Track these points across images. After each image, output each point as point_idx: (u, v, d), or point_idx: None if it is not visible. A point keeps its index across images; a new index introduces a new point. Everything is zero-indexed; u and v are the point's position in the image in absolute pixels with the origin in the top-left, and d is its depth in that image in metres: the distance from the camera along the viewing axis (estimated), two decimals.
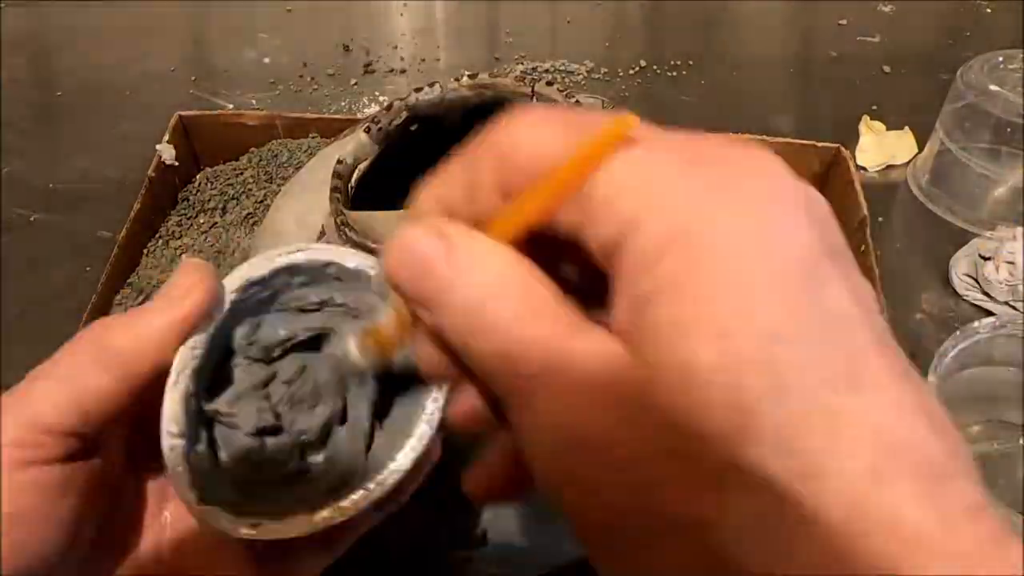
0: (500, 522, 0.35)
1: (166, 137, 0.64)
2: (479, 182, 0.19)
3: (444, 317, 0.18)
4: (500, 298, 0.18)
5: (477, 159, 0.20)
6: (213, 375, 0.25)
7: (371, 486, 0.23)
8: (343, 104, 0.81)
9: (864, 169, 0.71)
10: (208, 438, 0.24)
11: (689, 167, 0.17)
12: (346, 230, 0.34)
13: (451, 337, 0.18)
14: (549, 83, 0.38)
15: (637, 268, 0.16)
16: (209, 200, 0.65)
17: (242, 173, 0.66)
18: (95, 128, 0.79)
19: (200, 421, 0.24)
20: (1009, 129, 0.62)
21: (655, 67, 0.85)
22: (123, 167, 0.73)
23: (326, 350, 0.26)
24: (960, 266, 0.60)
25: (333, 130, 0.67)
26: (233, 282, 0.25)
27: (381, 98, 0.81)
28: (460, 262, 0.18)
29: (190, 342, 0.23)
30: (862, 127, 0.74)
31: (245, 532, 0.23)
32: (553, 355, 0.17)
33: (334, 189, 0.36)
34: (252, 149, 0.68)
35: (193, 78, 0.85)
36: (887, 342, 0.16)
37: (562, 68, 0.84)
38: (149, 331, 0.23)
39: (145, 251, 0.61)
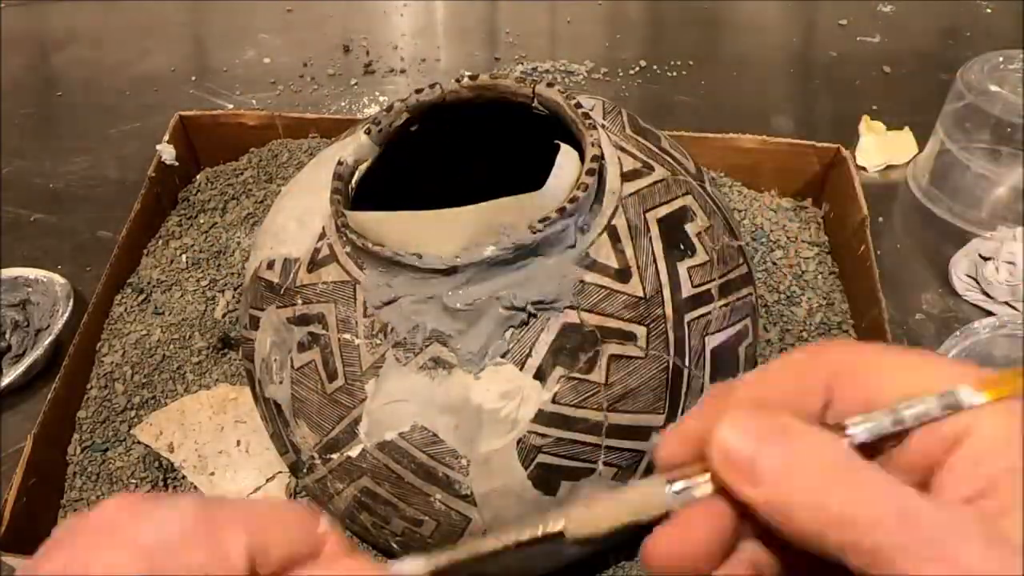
0: (500, 522, 0.35)
1: (166, 137, 0.64)
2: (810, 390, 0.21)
3: (782, 486, 0.19)
4: (847, 468, 0.19)
5: (813, 371, 0.21)
6: None
7: None
8: (343, 104, 0.81)
9: (864, 169, 0.71)
10: None
11: None
12: (346, 231, 0.34)
13: (777, 509, 0.19)
14: (549, 84, 0.38)
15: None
16: (209, 200, 0.65)
17: (242, 173, 0.66)
18: (95, 128, 0.79)
19: None
20: (1009, 129, 0.62)
21: (655, 67, 0.85)
22: (123, 167, 0.74)
23: None
24: (960, 266, 0.60)
25: (333, 130, 0.67)
26: None
27: (381, 98, 0.81)
28: (799, 448, 0.20)
29: None
30: (862, 127, 0.74)
31: None
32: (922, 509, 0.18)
33: (335, 191, 0.36)
34: (252, 149, 0.68)
35: (193, 78, 0.85)
36: None
37: (562, 68, 0.84)
38: None
39: (145, 251, 0.61)
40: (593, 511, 0.23)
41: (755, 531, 0.21)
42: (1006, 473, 0.18)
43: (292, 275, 0.37)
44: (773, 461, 0.19)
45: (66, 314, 0.57)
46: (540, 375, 0.32)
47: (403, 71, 0.86)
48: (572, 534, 0.23)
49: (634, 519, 0.22)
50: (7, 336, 0.56)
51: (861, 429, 0.20)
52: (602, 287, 0.33)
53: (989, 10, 0.92)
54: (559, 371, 0.32)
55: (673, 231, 0.36)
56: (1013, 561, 0.17)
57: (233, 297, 0.56)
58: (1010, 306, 0.57)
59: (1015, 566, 0.17)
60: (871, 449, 0.20)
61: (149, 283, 0.58)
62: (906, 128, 0.73)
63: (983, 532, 0.18)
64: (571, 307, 0.33)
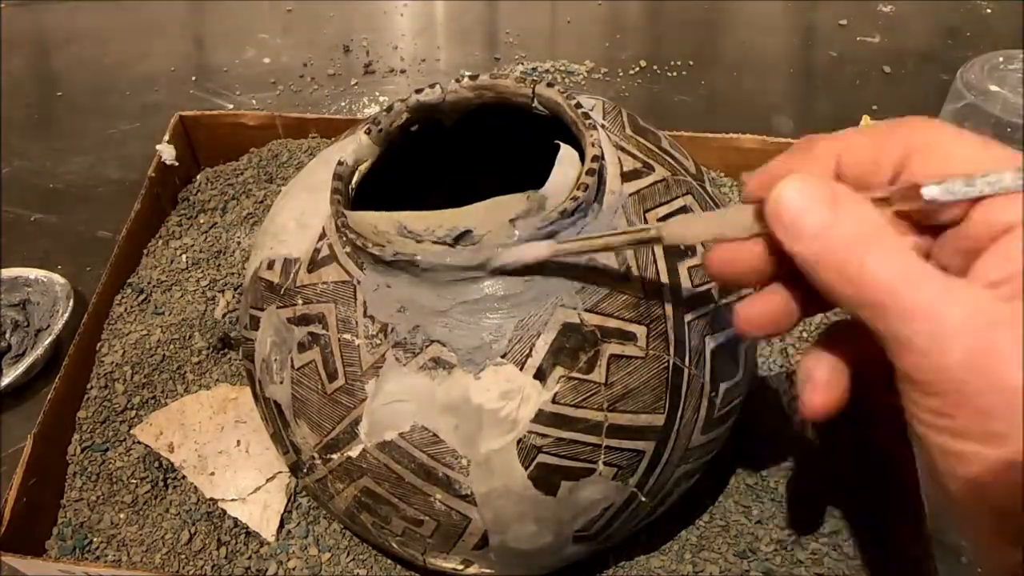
0: (501, 522, 0.35)
1: (166, 137, 0.64)
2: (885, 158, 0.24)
3: (825, 251, 0.22)
4: (879, 238, 0.22)
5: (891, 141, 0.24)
6: None
7: None
8: (343, 104, 0.81)
9: None
10: None
11: None
12: (346, 231, 0.34)
13: (817, 264, 0.23)
14: (550, 84, 0.38)
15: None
16: (209, 200, 0.65)
17: (242, 173, 0.66)
18: (95, 128, 0.79)
19: None
20: (1009, 129, 0.62)
21: (655, 67, 0.85)
22: (123, 167, 0.74)
23: None
24: None
25: (333, 130, 0.67)
26: None
27: (381, 98, 0.81)
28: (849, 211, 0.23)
29: None
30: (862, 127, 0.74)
31: None
32: (933, 283, 0.21)
33: (335, 191, 0.36)
34: (252, 149, 0.68)
35: (193, 78, 0.85)
36: None
37: (562, 68, 0.84)
38: None
39: (145, 251, 0.61)
40: (688, 225, 0.27)
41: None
42: None
43: (292, 275, 0.37)
44: (814, 222, 0.23)
45: (66, 314, 0.57)
46: (540, 375, 0.32)
47: (403, 71, 0.86)
48: (667, 241, 0.28)
49: (722, 235, 0.26)
50: (7, 336, 0.56)
51: (936, 188, 0.22)
52: (602, 287, 0.33)
53: (989, 10, 0.92)
54: (559, 371, 0.32)
55: None
56: (990, 334, 0.20)
57: (233, 297, 0.56)
58: None
59: (991, 338, 0.20)
60: (931, 229, 0.23)
61: (149, 283, 0.58)
62: None
63: (972, 305, 0.20)
64: (571, 307, 0.33)
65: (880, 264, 0.21)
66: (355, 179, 0.38)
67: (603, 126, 0.39)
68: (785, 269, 0.25)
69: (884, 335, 0.22)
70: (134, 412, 0.51)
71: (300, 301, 0.36)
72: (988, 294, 0.21)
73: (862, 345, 0.25)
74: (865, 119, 0.74)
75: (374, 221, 0.35)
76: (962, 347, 0.20)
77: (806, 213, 0.23)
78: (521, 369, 0.32)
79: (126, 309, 0.56)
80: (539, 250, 0.31)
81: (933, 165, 0.23)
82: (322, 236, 0.37)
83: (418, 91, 0.40)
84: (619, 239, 0.29)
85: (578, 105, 0.37)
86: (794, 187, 0.23)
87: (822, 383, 0.26)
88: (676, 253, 0.35)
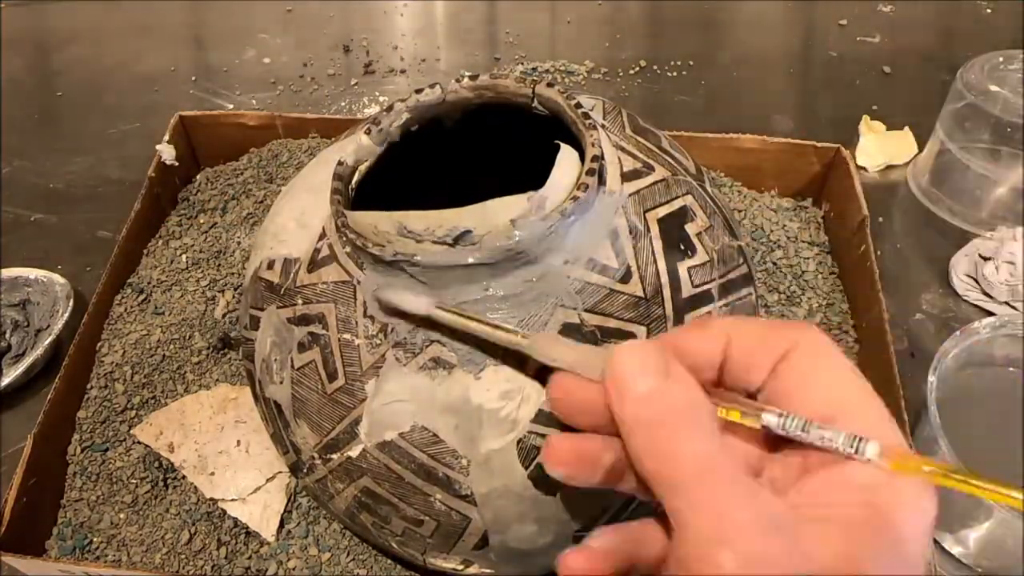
0: (501, 522, 0.35)
1: (166, 137, 0.64)
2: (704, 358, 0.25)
3: (639, 413, 0.23)
4: (690, 420, 0.23)
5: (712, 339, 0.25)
6: None
7: None
8: (343, 104, 0.81)
9: (864, 169, 0.71)
10: None
11: None
12: (346, 231, 0.34)
13: (629, 431, 0.23)
14: (549, 84, 0.38)
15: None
16: (209, 200, 0.65)
17: (242, 173, 0.66)
18: (95, 128, 0.79)
19: None
20: (1009, 129, 0.62)
21: (655, 67, 0.85)
22: (123, 167, 0.74)
23: None
24: (960, 266, 0.60)
25: (333, 130, 0.67)
26: None
27: (381, 98, 0.81)
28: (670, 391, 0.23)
29: None
30: (862, 127, 0.74)
31: None
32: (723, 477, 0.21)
33: (335, 191, 0.36)
34: (252, 149, 0.68)
35: (193, 78, 0.86)
36: None
37: (562, 68, 0.84)
38: None
39: (145, 251, 0.61)
40: (555, 346, 0.28)
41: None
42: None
43: (292, 275, 0.37)
44: (640, 388, 0.23)
45: (66, 314, 0.57)
46: (540, 375, 0.32)
47: (403, 71, 0.86)
48: (531, 353, 0.28)
49: (582, 367, 0.26)
50: (7, 336, 0.56)
51: (774, 419, 0.23)
52: (602, 287, 0.33)
53: (989, 10, 0.92)
54: (559, 371, 0.32)
55: (673, 231, 0.36)
56: (773, 543, 0.20)
57: (233, 297, 0.56)
58: (1010, 306, 0.57)
59: (771, 549, 0.20)
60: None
61: (149, 283, 0.58)
62: (906, 128, 0.73)
63: (759, 510, 0.20)
64: (571, 307, 0.33)
65: (687, 445, 0.22)
66: (355, 179, 0.38)
67: (603, 126, 0.39)
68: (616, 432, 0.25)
69: (671, 518, 0.21)
70: (134, 412, 0.51)
71: (300, 301, 0.36)
72: (779, 503, 0.21)
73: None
74: (865, 119, 0.74)
75: (374, 221, 0.35)
76: (740, 557, 0.19)
77: (635, 377, 0.23)
78: (521, 369, 0.32)
79: (126, 309, 0.56)
80: (418, 305, 0.31)
81: (796, 379, 0.24)
82: (322, 236, 0.37)
83: (418, 91, 0.40)
84: (491, 332, 0.29)
85: (578, 105, 0.37)
86: (631, 350, 0.24)
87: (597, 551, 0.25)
88: (676, 253, 0.35)
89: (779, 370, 0.24)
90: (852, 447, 0.22)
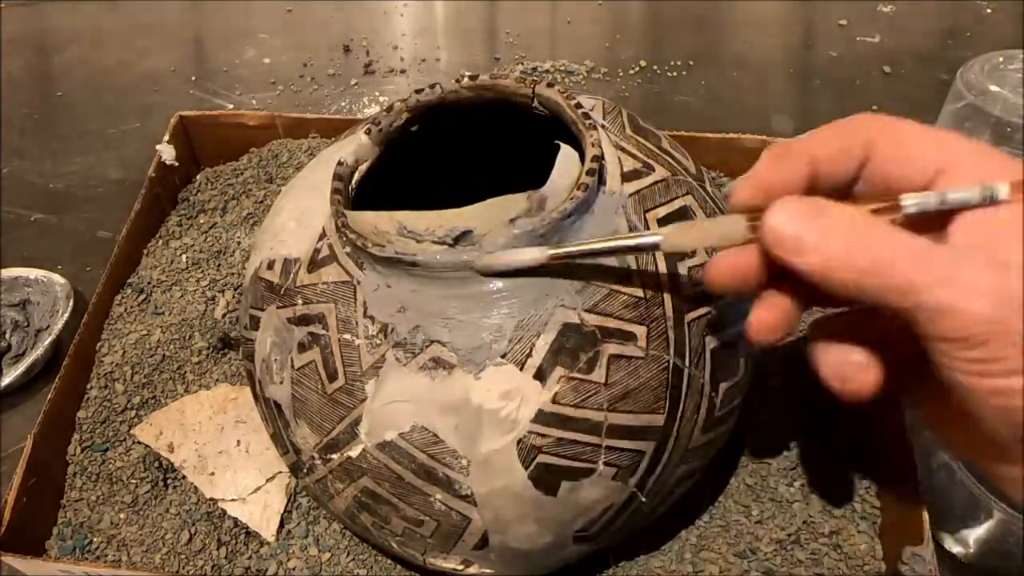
0: (501, 523, 0.35)
1: (166, 137, 0.64)
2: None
3: (835, 259, 0.24)
4: (875, 228, 0.24)
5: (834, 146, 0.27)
6: None
7: None
8: (343, 104, 0.81)
9: None
10: None
11: None
12: (346, 231, 0.34)
13: (833, 273, 0.24)
14: (549, 84, 0.38)
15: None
16: (209, 200, 0.65)
17: (242, 173, 0.66)
18: (95, 128, 0.79)
19: None
20: (1009, 129, 0.62)
21: (655, 67, 0.85)
22: (123, 167, 0.74)
23: None
24: None
25: (333, 130, 0.67)
26: None
27: (381, 98, 0.81)
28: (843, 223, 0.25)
29: None
30: None
31: None
32: (938, 253, 0.23)
33: (335, 191, 0.36)
34: (252, 149, 0.68)
35: (193, 78, 0.86)
36: None
37: (562, 68, 0.84)
38: None
39: (145, 251, 0.61)
40: (686, 233, 0.29)
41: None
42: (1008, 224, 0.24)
43: (292, 275, 0.37)
44: (813, 235, 0.24)
45: (66, 314, 0.57)
46: (540, 375, 0.32)
47: (403, 71, 0.86)
48: (665, 248, 0.29)
49: (718, 243, 0.28)
50: (7, 336, 0.56)
51: (912, 203, 0.25)
52: (602, 287, 0.33)
53: (989, 10, 0.92)
54: (559, 371, 0.32)
55: None
56: (1006, 276, 0.22)
57: (233, 297, 0.56)
58: None
59: (1009, 280, 0.22)
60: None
61: (149, 283, 0.58)
62: None
63: (982, 257, 0.23)
64: (571, 307, 0.33)
65: (886, 251, 0.23)
66: (355, 179, 0.38)
67: (603, 126, 0.39)
68: (778, 273, 0.27)
69: (914, 311, 0.23)
70: (134, 412, 0.51)
71: (300, 301, 0.36)
72: (982, 248, 0.24)
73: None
74: None
75: (374, 221, 0.35)
76: (990, 295, 0.22)
77: (802, 231, 0.25)
78: (521, 369, 0.32)
79: (126, 309, 0.56)
80: (533, 254, 0.32)
81: (896, 157, 0.26)
82: (322, 236, 0.37)
83: (418, 91, 0.40)
84: (617, 244, 0.30)
85: (578, 105, 0.37)
86: (782, 212, 0.25)
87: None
88: (676, 253, 0.35)
89: (871, 159, 0.26)
90: (985, 194, 0.24)
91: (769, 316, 0.28)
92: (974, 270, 0.22)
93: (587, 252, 0.31)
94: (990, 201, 0.24)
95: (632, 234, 0.30)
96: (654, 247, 0.30)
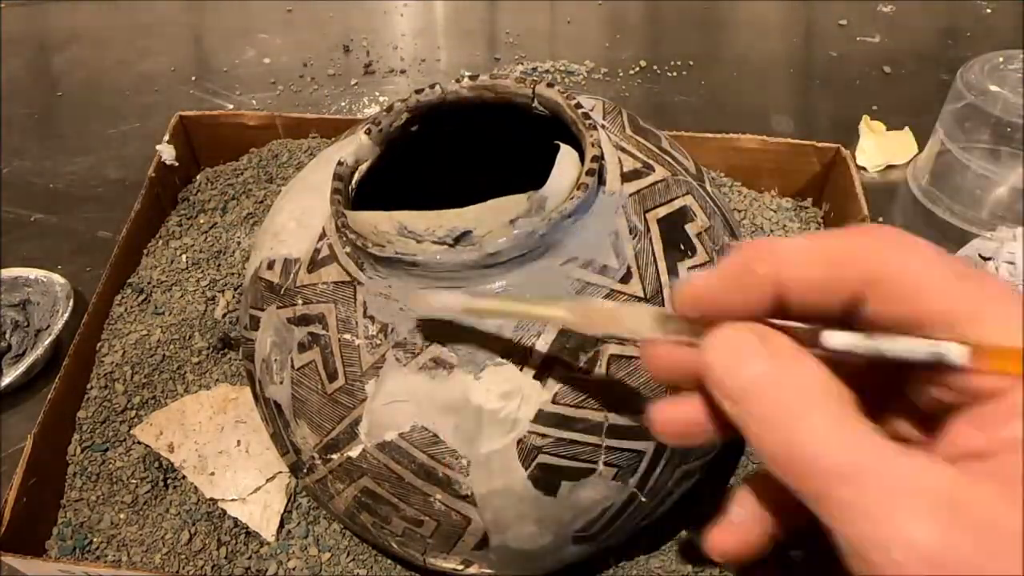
0: (501, 523, 0.35)
1: (166, 137, 0.64)
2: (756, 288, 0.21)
3: (753, 409, 0.19)
4: (819, 405, 0.19)
5: (754, 267, 0.21)
6: None
7: None
8: (343, 104, 0.81)
9: (864, 169, 0.71)
10: None
11: None
12: (346, 231, 0.34)
13: (751, 430, 0.19)
14: (549, 84, 0.38)
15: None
16: (209, 200, 0.65)
17: (242, 173, 0.66)
18: (95, 128, 0.79)
19: None
20: (1009, 129, 0.62)
21: (655, 67, 0.85)
22: (123, 167, 0.74)
23: None
24: None
25: (333, 130, 0.67)
26: None
27: (381, 98, 0.81)
28: (781, 366, 0.20)
29: None
30: (862, 127, 0.74)
31: None
32: (881, 466, 0.17)
33: (335, 191, 0.36)
34: (252, 149, 0.68)
35: (193, 78, 0.86)
36: None
37: (562, 68, 0.84)
38: None
39: (145, 251, 0.61)
40: (594, 313, 0.25)
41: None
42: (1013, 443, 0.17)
43: (292, 275, 0.37)
44: (752, 387, 0.19)
45: (66, 314, 0.57)
46: (540, 375, 0.32)
47: (403, 71, 0.86)
48: (568, 327, 0.26)
49: (625, 335, 0.24)
50: (7, 336, 0.56)
51: (836, 344, 0.20)
52: (602, 287, 0.33)
53: (989, 10, 0.92)
54: (559, 371, 0.32)
55: (673, 231, 0.36)
56: (961, 538, 0.16)
57: (233, 297, 0.56)
58: None
59: (962, 545, 0.16)
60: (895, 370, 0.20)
61: (149, 283, 0.58)
62: (906, 128, 0.73)
63: (942, 501, 0.17)
64: None
65: (824, 440, 0.18)
66: (355, 179, 0.38)
67: (603, 126, 0.39)
68: None
69: (820, 511, 0.18)
70: (134, 412, 0.51)
71: (300, 301, 0.36)
72: (948, 472, 0.17)
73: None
74: (865, 119, 0.74)
75: (374, 221, 0.35)
76: (926, 563, 0.16)
77: (740, 376, 0.20)
78: (521, 369, 0.32)
79: (126, 309, 0.56)
80: (450, 300, 0.30)
81: (899, 309, 0.20)
82: (322, 236, 0.37)
83: (418, 91, 0.40)
84: (527, 309, 0.27)
85: (578, 105, 0.37)
86: (724, 342, 0.21)
87: (737, 524, 0.23)
88: (676, 253, 0.35)
89: (867, 302, 0.20)
90: (934, 352, 0.18)
91: (670, 415, 0.23)
92: (917, 519, 0.16)
93: (504, 313, 0.29)
94: (943, 362, 0.18)
95: (543, 305, 0.26)
96: (565, 322, 0.26)
